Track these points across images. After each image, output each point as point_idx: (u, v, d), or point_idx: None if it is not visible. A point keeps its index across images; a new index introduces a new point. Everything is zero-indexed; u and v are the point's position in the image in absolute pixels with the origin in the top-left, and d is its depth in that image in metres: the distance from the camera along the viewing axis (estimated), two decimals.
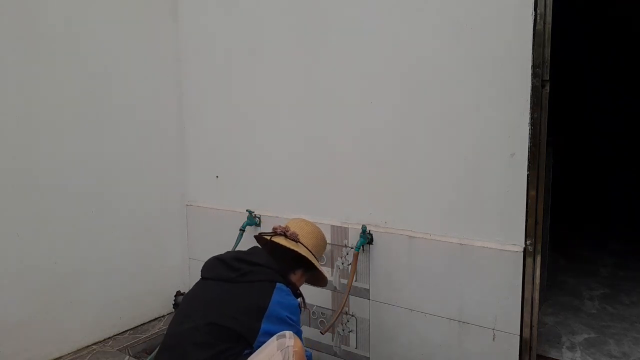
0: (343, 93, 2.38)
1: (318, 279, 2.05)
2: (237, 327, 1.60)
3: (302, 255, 1.89)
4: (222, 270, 1.78)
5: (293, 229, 1.96)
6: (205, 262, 1.87)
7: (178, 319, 1.74)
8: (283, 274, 1.81)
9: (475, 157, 2.04)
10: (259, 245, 2.01)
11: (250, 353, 1.59)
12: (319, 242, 2.02)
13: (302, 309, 1.86)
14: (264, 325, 1.62)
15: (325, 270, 2.45)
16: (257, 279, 1.73)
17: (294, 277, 1.90)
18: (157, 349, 1.83)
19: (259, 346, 1.60)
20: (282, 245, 1.88)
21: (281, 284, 1.75)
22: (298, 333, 1.71)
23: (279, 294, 1.70)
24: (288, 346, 1.56)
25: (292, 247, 1.87)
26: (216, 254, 1.91)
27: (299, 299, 1.83)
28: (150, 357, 2.37)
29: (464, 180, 2.07)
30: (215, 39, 2.86)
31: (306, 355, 1.75)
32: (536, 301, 1.99)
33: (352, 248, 2.37)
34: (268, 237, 1.94)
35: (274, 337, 1.59)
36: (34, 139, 2.36)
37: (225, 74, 2.84)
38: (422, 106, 2.15)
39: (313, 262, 1.90)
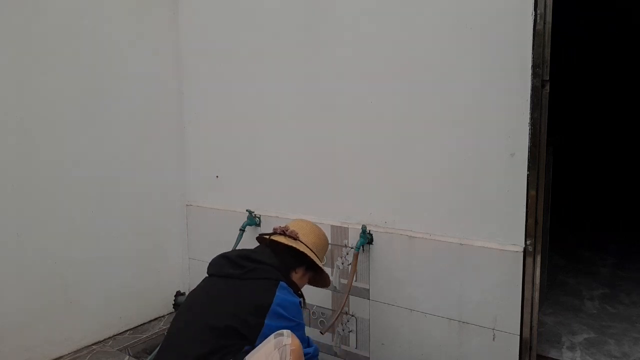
0: (343, 93, 2.38)
1: (321, 279, 2.05)
2: (239, 324, 1.61)
3: (301, 252, 1.89)
4: (227, 267, 1.80)
5: (293, 228, 1.98)
6: (212, 260, 1.89)
7: (182, 315, 1.76)
8: (284, 272, 1.82)
9: (475, 157, 2.04)
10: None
11: (251, 350, 1.60)
12: (320, 241, 2.02)
13: (303, 309, 1.86)
14: (267, 322, 1.63)
15: (326, 270, 2.44)
16: (261, 276, 1.74)
17: (295, 276, 1.91)
18: (160, 345, 1.84)
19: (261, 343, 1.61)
20: (280, 243, 1.89)
21: (284, 283, 1.76)
22: (300, 328, 1.73)
23: (282, 292, 1.71)
24: (285, 344, 1.56)
25: (290, 244, 1.88)
26: (218, 254, 1.92)
27: (300, 299, 1.84)
28: (150, 357, 2.37)
29: (464, 180, 2.07)
30: (215, 38, 2.85)
31: (310, 351, 1.75)
32: (536, 301, 1.99)
33: (352, 248, 2.37)
34: (267, 237, 1.95)
35: (272, 335, 1.59)
36: (34, 138, 2.35)
37: (225, 73, 2.84)
38: (422, 106, 2.15)
39: (312, 258, 1.91)
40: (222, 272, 1.80)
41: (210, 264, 1.88)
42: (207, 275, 1.86)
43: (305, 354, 1.66)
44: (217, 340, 1.58)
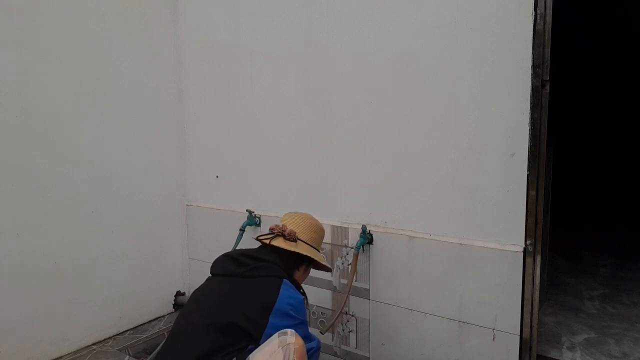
0: (343, 93, 2.38)
1: (322, 267, 2.06)
2: (243, 323, 1.61)
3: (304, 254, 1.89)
4: (230, 266, 1.80)
5: (290, 226, 1.94)
6: (215, 260, 1.89)
7: (184, 314, 1.76)
8: (288, 271, 1.82)
9: (475, 157, 2.04)
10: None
11: (255, 348, 1.60)
12: (317, 235, 2.01)
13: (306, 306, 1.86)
14: (272, 321, 1.62)
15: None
16: (264, 274, 1.74)
17: (298, 274, 1.91)
18: (161, 344, 1.84)
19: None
20: (282, 249, 1.88)
21: (287, 280, 1.76)
22: (304, 326, 1.72)
23: (287, 290, 1.71)
24: (289, 343, 1.56)
25: (292, 249, 1.87)
26: (219, 254, 1.91)
27: (303, 296, 1.84)
28: (150, 357, 2.37)
29: (464, 180, 2.07)
30: (215, 39, 2.85)
31: (313, 346, 1.74)
32: (536, 301, 1.99)
33: (352, 248, 2.37)
34: (267, 241, 1.92)
35: (276, 334, 1.59)
36: (34, 139, 2.35)
37: (225, 73, 2.84)
38: (422, 106, 2.15)
39: (315, 258, 1.91)
40: (225, 271, 1.79)
41: (213, 263, 1.88)
42: (210, 275, 1.86)
43: (308, 350, 1.66)
44: (220, 339, 1.58)
